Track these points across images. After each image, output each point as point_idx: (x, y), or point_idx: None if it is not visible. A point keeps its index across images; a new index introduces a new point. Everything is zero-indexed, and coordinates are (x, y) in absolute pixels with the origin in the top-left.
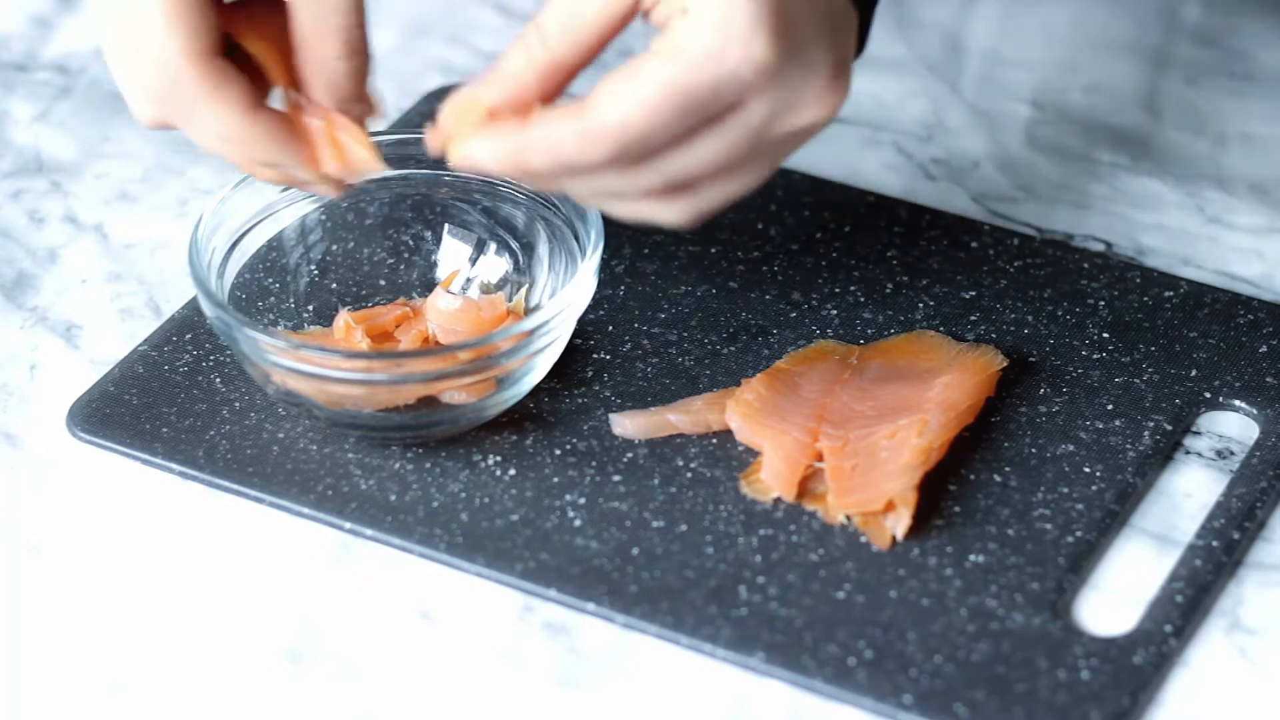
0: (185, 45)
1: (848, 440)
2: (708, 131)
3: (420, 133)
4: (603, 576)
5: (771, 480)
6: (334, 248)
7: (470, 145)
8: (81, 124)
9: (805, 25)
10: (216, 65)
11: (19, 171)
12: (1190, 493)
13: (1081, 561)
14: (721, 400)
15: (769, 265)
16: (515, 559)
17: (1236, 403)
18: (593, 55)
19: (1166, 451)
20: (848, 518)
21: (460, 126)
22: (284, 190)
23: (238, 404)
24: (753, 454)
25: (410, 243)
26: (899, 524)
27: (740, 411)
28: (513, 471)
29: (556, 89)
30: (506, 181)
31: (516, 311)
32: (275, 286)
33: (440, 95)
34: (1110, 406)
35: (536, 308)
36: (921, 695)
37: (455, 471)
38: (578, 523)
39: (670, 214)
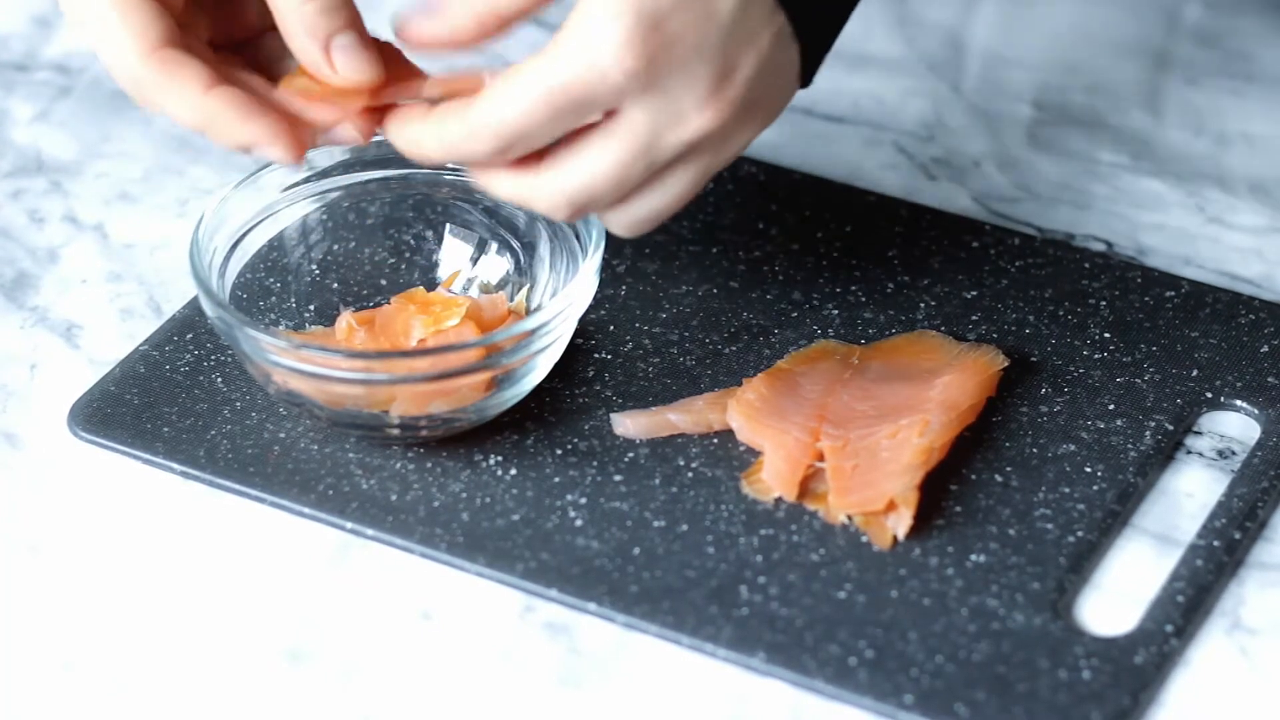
0: (135, 44)
1: (849, 440)
2: (596, 139)
3: None
4: (603, 576)
5: (772, 480)
6: (335, 247)
7: (389, 126)
8: (82, 124)
9: (685, 35)
10: (166, 56)
11: (19, 171)
12: (1191, 492)
13: (1082, 561)
14: (723, 400)
15: (770, 265)
16: (516, 559)
17: (1238, 403)
18: (529, 7)
19: (1168, 451)
20: (849, 517)
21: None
22: (285, 189)
23: (239, 404)
24: (754, 454)
25: (411, 242)
26: (900, 524)
27: (741, 411)
28: (514, 471)
29: (488, 36)
30: None
31: (518, 311)
32: (276, 286)
33: None
34: (1111, 406)
35: (538, 308)
36: (922, 695)
37: (456, 471)
38: (579, 522)
39: (610, 226)
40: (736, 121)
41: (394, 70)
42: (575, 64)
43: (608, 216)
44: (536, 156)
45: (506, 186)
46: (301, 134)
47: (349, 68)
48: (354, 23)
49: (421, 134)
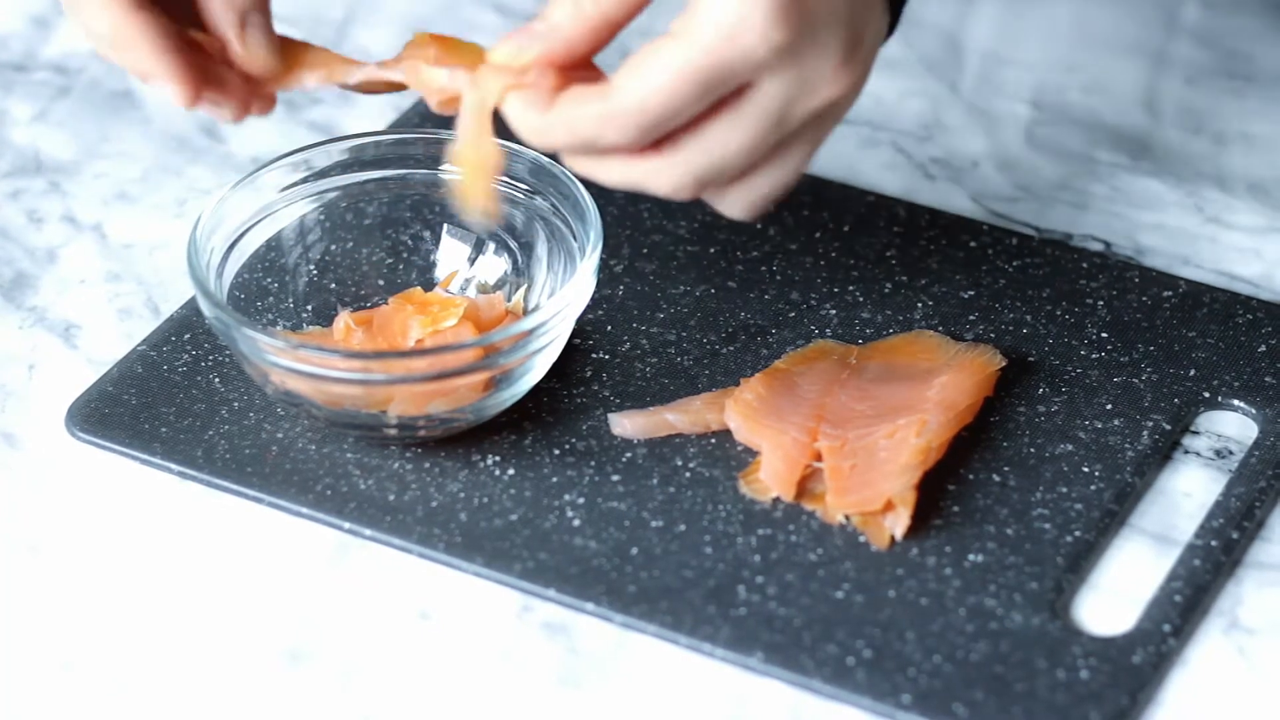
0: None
1: (846, 440)
2: (727, 115)
3: (420, 133)
4: (601, 576)
5: (770, 480)
6: (333, 247)
7: (508, 109)
8: (80, 124)
9: (819, 5)
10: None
11: (17, 171)
12: (1189, 492)
13: (1080, 561)
14: (720, 400)
15: (768, 265)
16: (514, 559)
17: (1235, 402)
18: (637, 11)
19: (1165, 451)
20: (846, 517)
21: (490, 83)
22: (283, 190)
23: (236, 404)
24: (751, 454)
25: (409, 242)
26: (898, 524)
27: (739, 411)
28: (511, 471)
29: (600, 46)
30: (506, 181)
31: (515, 311)
32: (274, 286)
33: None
34: (1109, 406)
35: (535, 308)
36: (920, 695)
37: (454, 471)
38: (576, 522)
39: (726, 208)
40: (858, 86)
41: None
42: (721, 41)
43: (727, 197)
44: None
45: (619, 172)
46: (206, 83)
47: (254, 46)
48: (263, 4)
49: (547, 123)
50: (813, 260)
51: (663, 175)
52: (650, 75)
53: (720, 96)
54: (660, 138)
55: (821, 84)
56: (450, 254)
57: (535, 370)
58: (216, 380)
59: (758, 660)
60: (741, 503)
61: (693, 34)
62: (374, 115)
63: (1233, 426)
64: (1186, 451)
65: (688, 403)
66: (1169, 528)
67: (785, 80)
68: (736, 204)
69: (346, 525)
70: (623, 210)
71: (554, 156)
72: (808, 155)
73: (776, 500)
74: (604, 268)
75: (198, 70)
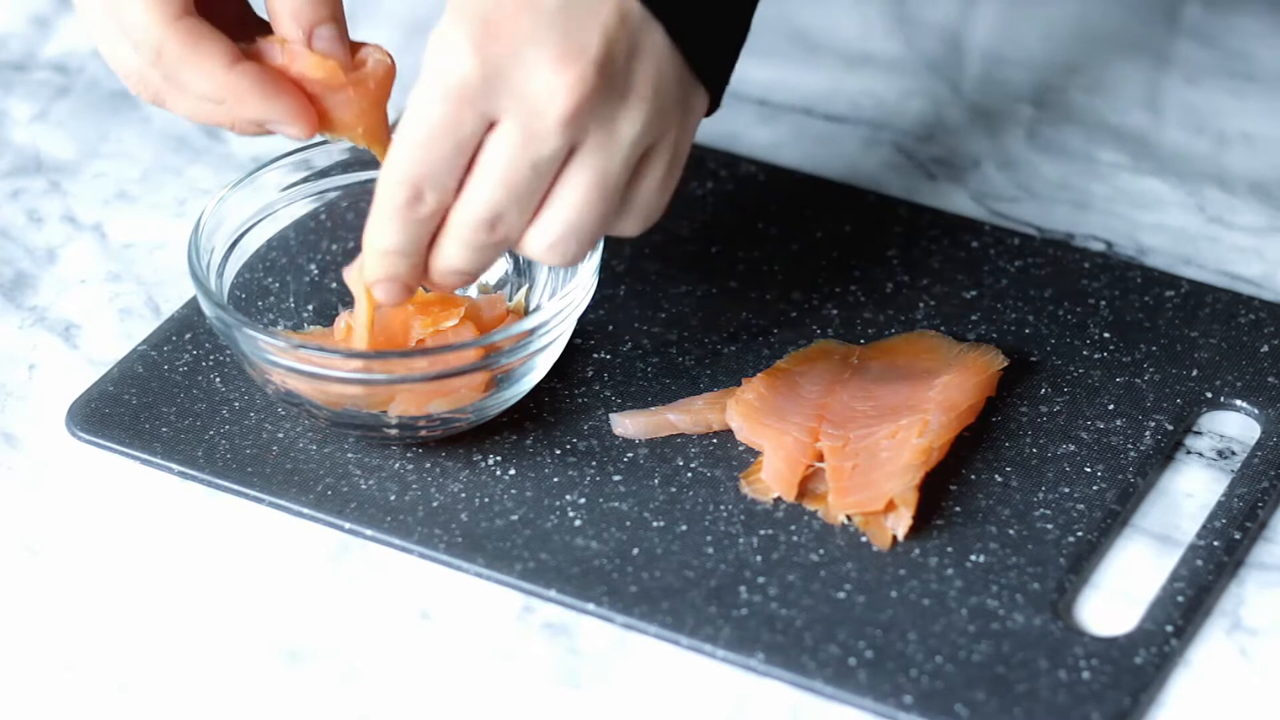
0: (161, 10)
1: (848, 440)
2: (480, 158)
3: None
4: (603, 576)
5: (772, 480)
6: (334, 247)
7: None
8: (80, 124)
9: (513, 26)
10: (192, 25)
11: (17, 171)
12: (1191, 492)
13: (1082, 561)
14: (722, 400)
15: (769, 265)
16: (515, 559)
17: (1238, 402)
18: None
19: (1167, 451)
20: (848, 518)
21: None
22: (284, 189)
23: (237, 404)
24: (753, 454)
25: None
26: (899, 524)
27: (740, 411)
28: (513, 471)
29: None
30: None
31: (516, 311)
32: (275, 286)
33: None
34: (1111, 406)
35: (536, 308)
36: (922, 695)
37: (455, 471)
38: (578, 523)
39: (530, 249)
40: (603, 102)
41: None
42: (430, 90)
43: (526, 242)
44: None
45: (447, 256)
46: (314, 110)
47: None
48: (336, 15)
49: (370, 231)
50: (814, 260)
51: (461, 241)
52: (397, 139)
53: (465, 141)
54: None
55: (543, 96)
56: None
57: (536, 370)
58: (217, 380)
59: (759, 661)
60: (743, 503)
61: (416, 92)
62: None
63: (1235, 427)
64: (1189, 452)
65: (689, 403)
66: (1171, 528)
67: (509, 107)
68: (536, 248)
69: (347, 525)
70: None
71: None
72: (590, 185)
73: (778, 500)
74: (606, 267)
75: (304, 99)
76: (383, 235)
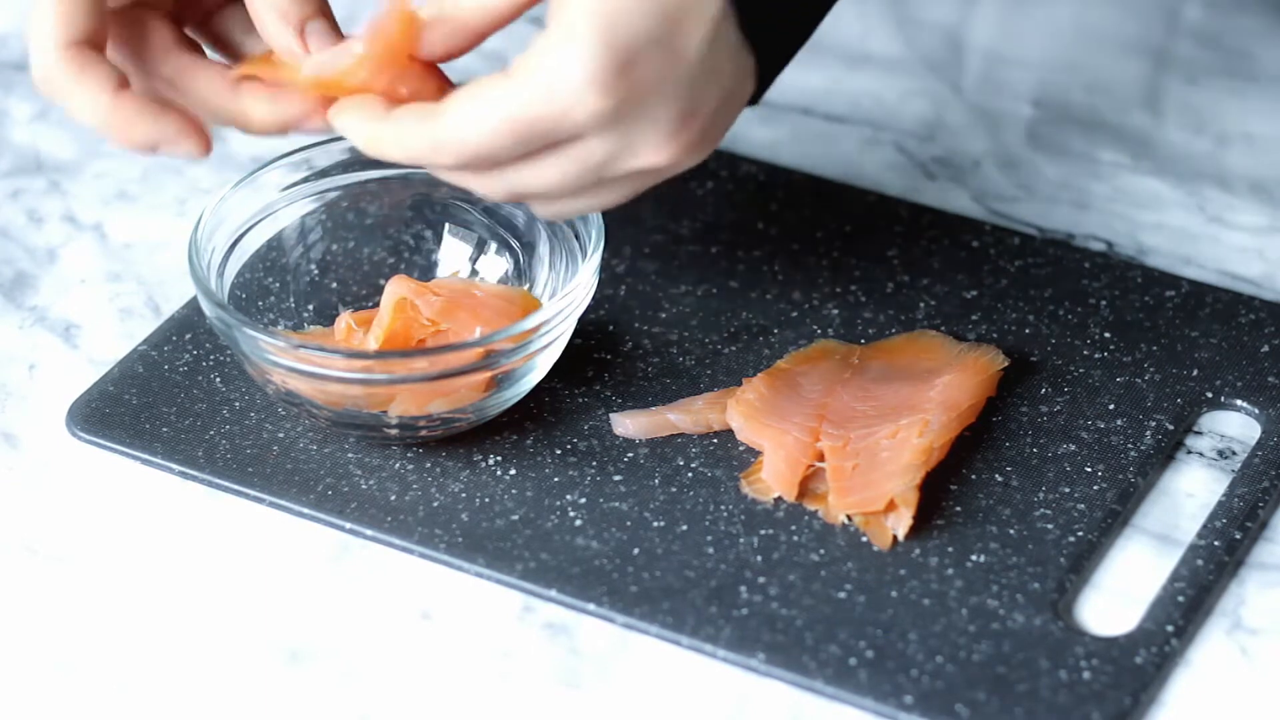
0: (56, 35)
1: (849, 440)
2: (549, 156)
3: None
4: (603, 576)
5: (772, 480)
6: (334, 247)
7: (341, 115)
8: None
9: (654, 80)
10: (81, 54)
11: (18, 171)
12: (1192, 492)
13: (1083, 561)
14: (722, 400)
15: (769, 265)
16: (515, 559)
17: (1238, 402)
18: (502, 25)
19: (1168, 451)
20: (849, 517)
21: (342, 79)
22: (284, 189)
23: (237, 404)
24: (753, 454)
25: (411, 242)
26: (900, 524)
27: (741, 411)
28: (513, 471)
29: (461, 52)
30: None
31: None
32: (275, 286)
33: None
34: (1112, 406)
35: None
36: (922, 695)
37: (455, 471)
38: (578, 522)
39: (537, 211)
40: (689, 155)
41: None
42: (540, 98)
43: (537, 207)
44: None
45: (443, 172)
46: (207, 130)
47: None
48: (324, 10)
49: (380, 133)
50: (815, 260)
51: (480, 185)
52: (475, 113)
53: (544, 145)
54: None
55: (646, 150)
56: (452, 253)
57: (537, 370)
58: (217, 380)
59: (759, 661)
60: (743, 503)
61: (520, 84)
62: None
63: (1235, 427)
64: (1189, 452)
65: (690, 403)
66: (1171, 528)
67: (608, 141)
68: (545, 213)
69: (347, 525)
70: (624, 210)
71: None
72: (625, 197)
73: (778, 500)
74: (606, 267)
75: (191, 120)
76: (389, 150)
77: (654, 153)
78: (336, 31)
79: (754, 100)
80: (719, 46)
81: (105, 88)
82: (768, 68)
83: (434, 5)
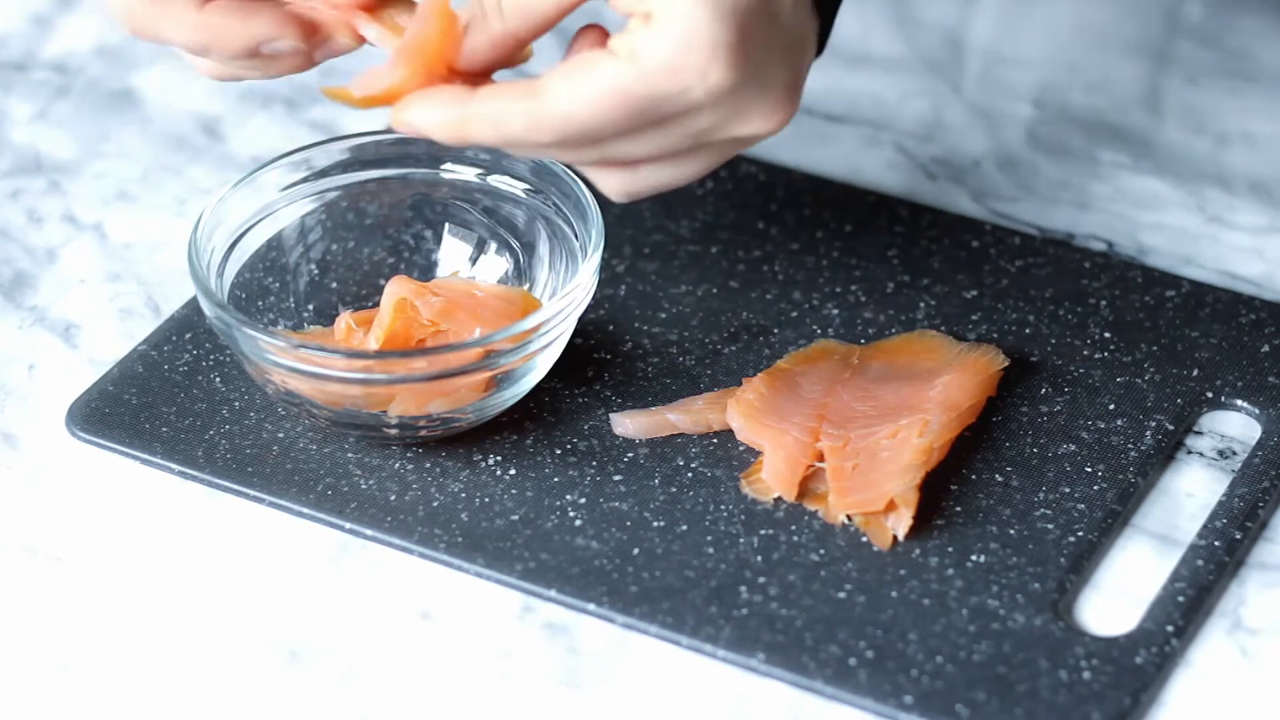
0: None
1: (849, 440)
2: (653, 129)
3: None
4: (603, 576)
5: (772, 480)
6: (334, 247)
7: (412, 109)
8: (80, 123)
9: (764, 49)
10: None
11: (17, 171)
12: (1192, 492)
13: (1083, 561)
14: (722, 400)
15: (769, 265)
16: (515, 559)
17: (1238, 402)
18: (545, 30)
19: (1168, 451)
20: (849, 518)
21: (396, 87)
22: (283, 189)
23: (237, 404)
24: (753, 454)
25: (410, 242)
26: (900, 524)
27: (741, 411)
28: (513, 471)
29: (504, 62)
30: (507, 180)
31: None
32: (275, 286)
33: None
34: (1112, 406)
35: None
36: (922, 695)
37: (455, 471)
38: (578, 523)
39: (604, 184)
40: (790, 120)
41: None
42: (661, 75)
43: (607, 179)
44: None
45: (538, 152)
46: (309, 28)
47: None
48: None
49: (470, 115)
50: (815, 260)
51: (570, 156)
52: (584, 90)
53: (653, 121)
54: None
55: (756, 119)
56: (451, 253)
57: (537, 370)
58: (217, 380)
59: (759, 661)
60: (743, 503)
61: (636, 60)
62: (374, 115)
63: (1235, 427)
64: (1189, 452)
65: (689, 402)
66: (1172, 528)
67: (720, 112)
68: (615, 188)
69: (347, 525)
70: (624, 210)
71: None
72: (708, 167)
73: (778, 500)
74: (606, 267)
75: (290, 14)
76: (480, 132)
77: (765, 120)
78: None
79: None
80: (800, 8)
81: (190, 3)
82: (825, 28)
83: (474, 7)
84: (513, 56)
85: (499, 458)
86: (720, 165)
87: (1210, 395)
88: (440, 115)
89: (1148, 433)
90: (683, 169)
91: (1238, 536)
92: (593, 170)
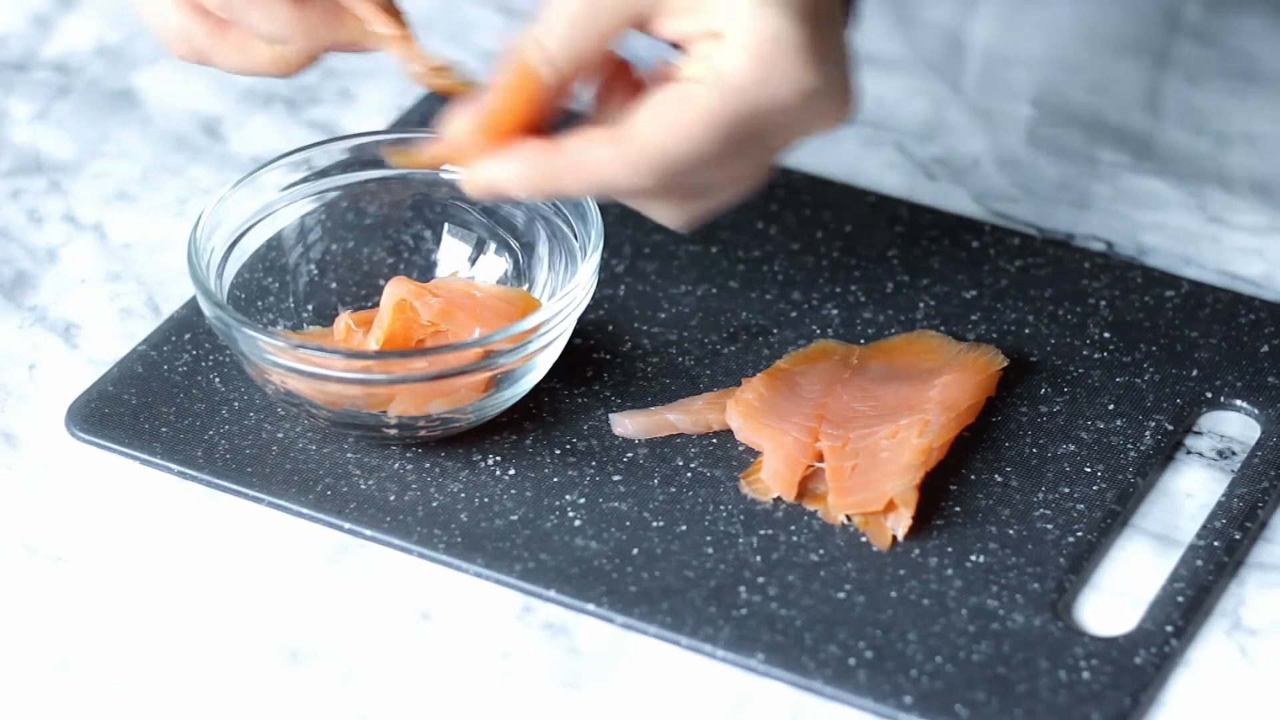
0: None
1: (848, 440)
2: (748, 148)
3: (421, 132)
4: (602, 576)
5: (771, 480)
6: (333, 247)
7: (493, 169)
8: (80, 123)
9: (834, 46)
10: None
11: (18, 171)
12: (1191, 493)
13: (1082, 561)
14: (722, 400)
15: (769, 265)
16: (515, 559)
17: (1238, 402)
18: (590, 74)
19: (1168, 451)
20: (848, 518)
21: (467, 148)
22: (283, 189)
23: (237, 404)
24: (753, 454)
25: (410, 242)
26: (899, 524)
27: (740, 411)
28: (512, 471)
29: (559, 109)
30: None
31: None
32: (274, 286)
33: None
34: (1111, 406)
35: None
36: (922, 696)
37: (455, 471)
38: (577, 523)
39: (670, 217)
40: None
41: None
42: (755, 88)
43: (675, 211)
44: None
45: (637, 199)
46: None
47: None
48: None
49: (559, 168)
50: (814, 260)
51: (661, 192)
52: (677, 122)
53: (748, 141)
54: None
55: (830, 114)
56: (451, 253)
57: (536, 370)
58: (217, 380)
59: (759, 661)
60: (743, 503)
61: (723, 80)
62: (374, 115)
63: (1235, 427)
64: (1189, 452)
65: (689, 403)
66: (1171, 528)
67: (807, 114)
68: (685, 213)
69: (347, 525)
70: (624, 210)
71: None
72: (763, 176)
73: (778, 500)
74: (605, 267)
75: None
76: (568, 184)
77: (833, 118)
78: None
79: None
80: (838, 7)
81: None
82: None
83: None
84: (563, 104)
85: (499, 458)
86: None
87: (1210, 395)
88: (527, 172)
89: (1147, 433)
90: (744, 182)
91: (1237, 536)
92: (662, 204)
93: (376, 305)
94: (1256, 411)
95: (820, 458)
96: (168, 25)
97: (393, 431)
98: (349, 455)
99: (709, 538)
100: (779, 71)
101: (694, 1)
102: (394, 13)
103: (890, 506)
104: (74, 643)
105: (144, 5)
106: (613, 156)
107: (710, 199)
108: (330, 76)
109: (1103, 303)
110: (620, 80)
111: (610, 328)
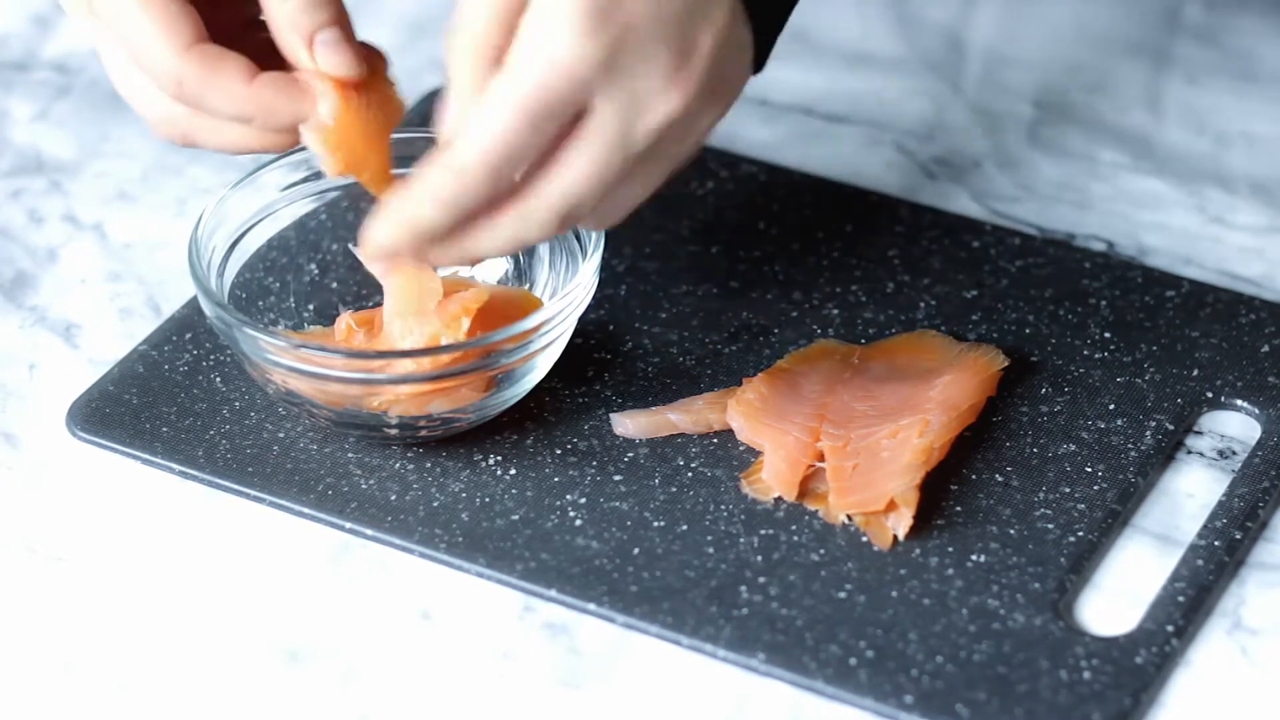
0: (171, 42)
1: (849, 440)
2: (571, 145)
3: (421, 132)
4: (603, 576)
5: (772, 480)
6: (334, 247)
7: (371, 235)
8: (81, 123)
9: (642, 16)
10: (206, 49)
11: (18, 171)
12: (1192, 492)
13: (1083, 561)
14: (722, 400)
15: (770, 265)
16: (515, 559)
17: (1238, 402)
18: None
19: (1168, 451)
20: (849, 517)
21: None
22: (284, 189)
23: (238, 404)
24: (754, 454)
25: None
26: (900, 524)
27: (741, 411)
28: (513, 471)
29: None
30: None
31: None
32: (275, 286)
33: (440, 95)
34: (1112, 406)
35: None
36: (923, 695)
37: (455, 471)
38: (578, 522)
39: (585, 224)
40: (701, 102)
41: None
42: (538, 68)
43: (589, 216)
44: (510, 190)
45: (488, 240)
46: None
47: (329, 63)
48: (339, 19)
49: (403, 204)
50: (815, 260)
51: (529, 222)
52: (485, 118)
53: (559, 124)
54: (514, 184)
55: (655, 98)
56: None
57: (537, 370)
58: (218, 380)
59: (760, 661)
60: (744, 503)
61: (515, 63)
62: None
63: (1235, 427)
64: (1189, 452)
65: (690, 402)
66: (1172, 528)
67: (616, 99)
68: (593, 223)
69: (348, 525)
70: None
71: None
72: (663, 173)
73: (779, 500)
74: (606, 267)
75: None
76: (427, 212)
77: (661, 98)
78: (351, 39)
79: (759, 63)
80: None
81: (241, 76)
82: (764, 27)
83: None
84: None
85: (499, 458)
86: (674, 171)
87: (1210, 395)
88: (394, 222)
89: (1148, 433)
90: (637, 183)
91: (1238, 536)
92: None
93: (377, 305)
94: (1257, 411)
95: (821, 457)
96: (153, 111)
97: (393, 431)
98: (350, 455)
99: (710, 537)
100: (561, 46)
101: None
102: (368, 56)
103: (891, 506)
104: (74, 643)
105: (131, 94)
106: (442, 170)
107: (596, 209)
108: None
109: (1103, 303)
110: None
111: (611, 327)
